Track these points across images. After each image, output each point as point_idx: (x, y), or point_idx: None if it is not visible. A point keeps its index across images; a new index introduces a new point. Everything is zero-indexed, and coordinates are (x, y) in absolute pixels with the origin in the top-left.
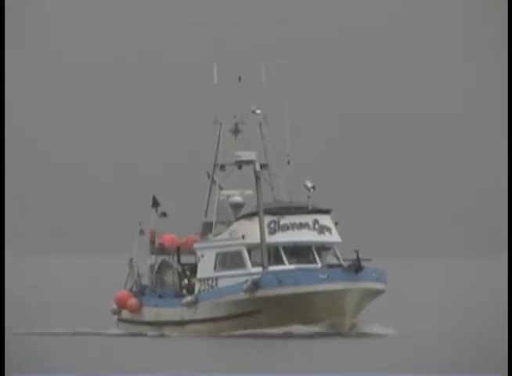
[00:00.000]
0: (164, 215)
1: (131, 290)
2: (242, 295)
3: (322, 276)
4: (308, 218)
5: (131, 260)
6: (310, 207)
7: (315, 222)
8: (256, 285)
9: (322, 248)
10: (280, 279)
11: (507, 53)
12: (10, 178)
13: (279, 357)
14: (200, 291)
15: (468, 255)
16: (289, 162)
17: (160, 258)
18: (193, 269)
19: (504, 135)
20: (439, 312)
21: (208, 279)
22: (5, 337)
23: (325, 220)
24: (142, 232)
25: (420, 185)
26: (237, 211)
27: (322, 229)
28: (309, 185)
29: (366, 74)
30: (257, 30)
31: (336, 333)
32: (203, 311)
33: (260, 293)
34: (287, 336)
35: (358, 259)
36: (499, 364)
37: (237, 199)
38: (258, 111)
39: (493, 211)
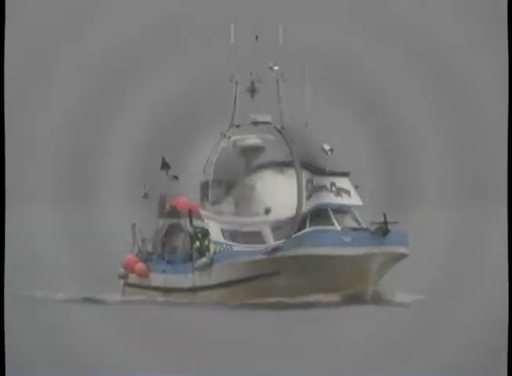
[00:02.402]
0: (175, 178)
1: (137, 255)
2: (260, 256)
3: (345, 239)
4: (326, 181)
5: (133, 225)
6: (327, 170)
7: (332, 184)
8: (276, 248)
9: (339, 211)
10: (302, 240)
11: (507, 50)
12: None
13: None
14: (215, 252)
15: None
16: (307, 124)
17: (167, 222)
18: (205, 232)
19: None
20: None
21: (223, 243)
22: (5, 336)
23: (343, 183)
24: (146, 195)
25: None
26: (252, 157)
27: (340, 192)
28: (327, 148)
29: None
30: None
31: (357, 300)
32: (217, 274)
33: (280, 253)
34: (305, 305)
35: (385, 222)
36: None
37: (254, 141)
38: (276, 67)
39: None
